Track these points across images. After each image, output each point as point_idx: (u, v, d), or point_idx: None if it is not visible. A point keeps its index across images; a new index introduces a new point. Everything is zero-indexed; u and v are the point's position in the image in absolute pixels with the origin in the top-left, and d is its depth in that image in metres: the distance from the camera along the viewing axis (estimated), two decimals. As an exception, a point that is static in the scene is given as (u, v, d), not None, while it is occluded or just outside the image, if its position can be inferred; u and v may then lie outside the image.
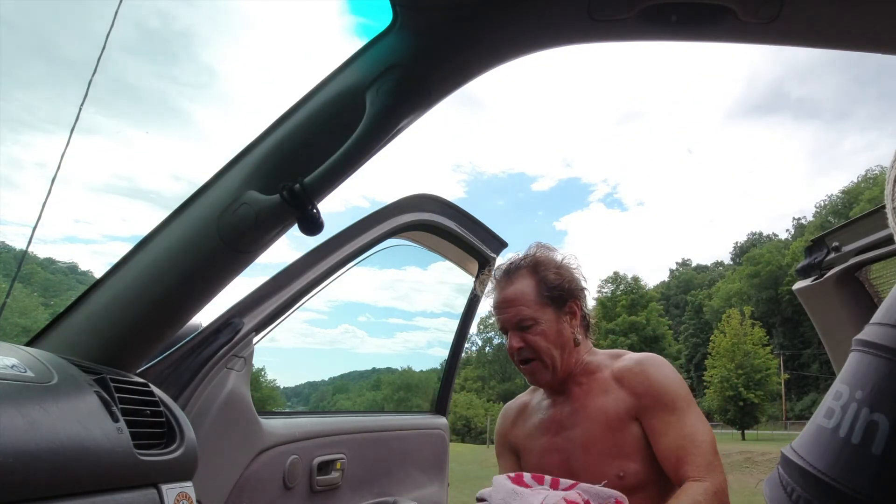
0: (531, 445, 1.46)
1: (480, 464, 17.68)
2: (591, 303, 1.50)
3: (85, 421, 0.75)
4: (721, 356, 33.94)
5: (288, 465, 1.50)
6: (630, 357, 1.40)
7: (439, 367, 2.60)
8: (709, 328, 49.58)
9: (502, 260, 1.61)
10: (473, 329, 2.36)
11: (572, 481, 1.24)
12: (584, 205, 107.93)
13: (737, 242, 73.46)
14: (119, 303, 0.98)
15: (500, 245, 2.16)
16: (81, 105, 1.04)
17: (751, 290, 54.63)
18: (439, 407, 2.26)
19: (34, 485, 0.66)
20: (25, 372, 0.75)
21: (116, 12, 1.01)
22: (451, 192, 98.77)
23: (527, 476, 1.28)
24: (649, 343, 41.18)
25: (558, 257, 1.45)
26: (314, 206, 0.92)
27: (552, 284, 1.38)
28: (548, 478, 1.26)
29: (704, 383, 34.91)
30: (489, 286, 1.47)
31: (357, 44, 0.91)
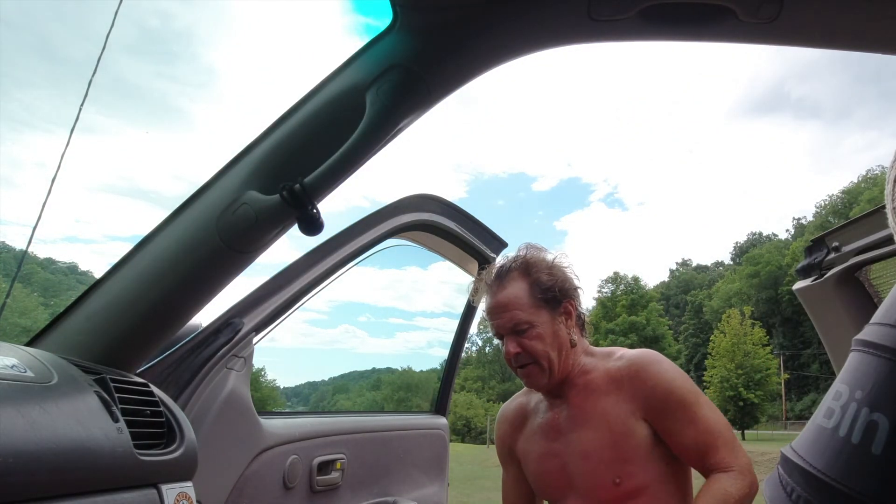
0: (530, 450, 1.45)
1: (480, 464, 17.69)
2: (585, 301, 1.46)
3: (85, 421, 0.75)
4: (721, 356, 33.97)
5: (288, 465, 1.50)
6: (625, 356, 1.37)
7: (439, 367, 2.61)
8: (709, 328, 49.61)
9: (490, 255, 1.59)
10: (473, 329, 2.36)
11: None
12: (585, 204, 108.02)
13: (737, 242, 73.50)
14: (119, 303, 0.98)
15: (500, 245, 2.16)
16: (81, 104, 1.04)
17: (751, 290, 54.60)
18: (439, 407, 2.26)
19: (34, 485, 0.66)
20: (25, 372, 0.75)
21: (116, 12, 1.01)
22: (453, 192, 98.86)
23: None
24: (649, 343, 41.11)
25: (549, 257, 1.42)
26: (314, 206, 0.92)
27: (545, 286, 1.36)
28: None
29: (704, 383, 34.88)
30: (479, 291, 1.44)
31: (359, 43, 0.91)
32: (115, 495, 0.77)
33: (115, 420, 0.81)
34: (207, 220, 0.96)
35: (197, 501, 0.94)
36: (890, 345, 0.40)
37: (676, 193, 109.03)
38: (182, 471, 0.93)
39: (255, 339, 1.44)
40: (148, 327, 1.01)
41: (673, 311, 65.23)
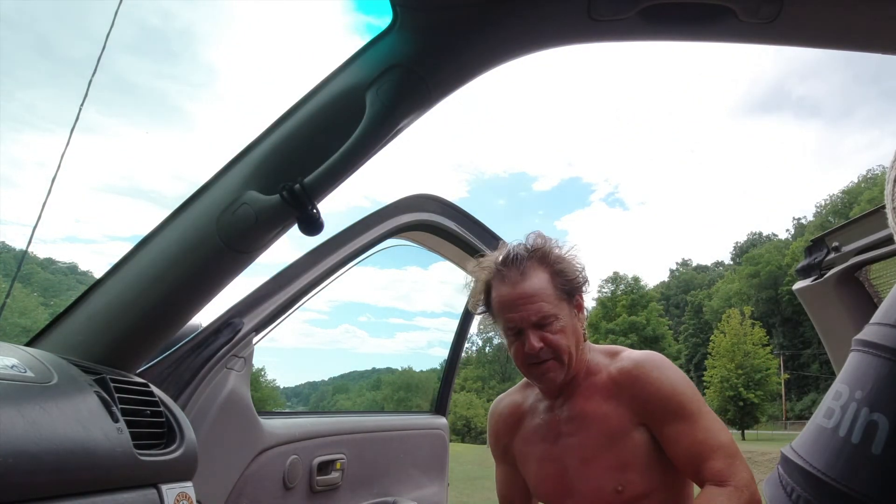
0: (527, 451, 1.41)
1: (480, 464, 17.68)
2: (586, 300, 1.38)
3: (85, 421, 0.75)
4: (721, 356, 33.99)
5: (288, 465, 1.50)
6: (628, 358, 1.32)
7: (439, 367, 2.61)
8: (709, 328, 49.62)
9: (491, 253, 1.43)
10: (473, 329, 2.36)
11: None
12: (586, 204, 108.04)
13: (737, 242, 73.58)
14: (119, 303, 0.98)
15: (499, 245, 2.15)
16: (82, 104, 1.05)
17: (751, 290, 54.62)
18: (439, 407, 2.26)
19: (34, 485, 0.66)
20: (25, 372, 0.75)
21: (116, 11, 1.01)
22: (454, 192, 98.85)
23: None
24: (649, 343, 41.15)
25: (561, 247, 1.34)
26: (314, 206, 0.92)
27: (567, 277, 1.28)
28: None
29: (704, 383, 34.91)
30: (482, 282, 1.33)
31: (359, 43, 0.91)
32: (115, 495, 0.77)
33: (115, 420, 0.81)
34: (207, 220, 0.96)
35: (197, 501, 0.94)
36: (890, 345, 0.40)
37: (677, 193, 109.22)
38: (182, 471, 0.93)
39: (255, 339, 1.44)
40: (148, 327, 1.01)
41: (673, 311, 65.26)
